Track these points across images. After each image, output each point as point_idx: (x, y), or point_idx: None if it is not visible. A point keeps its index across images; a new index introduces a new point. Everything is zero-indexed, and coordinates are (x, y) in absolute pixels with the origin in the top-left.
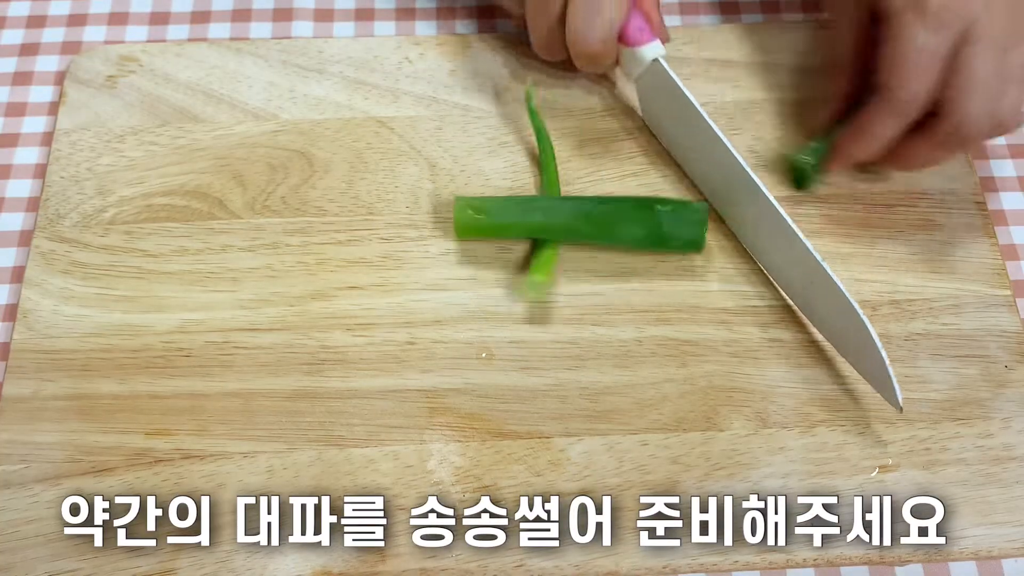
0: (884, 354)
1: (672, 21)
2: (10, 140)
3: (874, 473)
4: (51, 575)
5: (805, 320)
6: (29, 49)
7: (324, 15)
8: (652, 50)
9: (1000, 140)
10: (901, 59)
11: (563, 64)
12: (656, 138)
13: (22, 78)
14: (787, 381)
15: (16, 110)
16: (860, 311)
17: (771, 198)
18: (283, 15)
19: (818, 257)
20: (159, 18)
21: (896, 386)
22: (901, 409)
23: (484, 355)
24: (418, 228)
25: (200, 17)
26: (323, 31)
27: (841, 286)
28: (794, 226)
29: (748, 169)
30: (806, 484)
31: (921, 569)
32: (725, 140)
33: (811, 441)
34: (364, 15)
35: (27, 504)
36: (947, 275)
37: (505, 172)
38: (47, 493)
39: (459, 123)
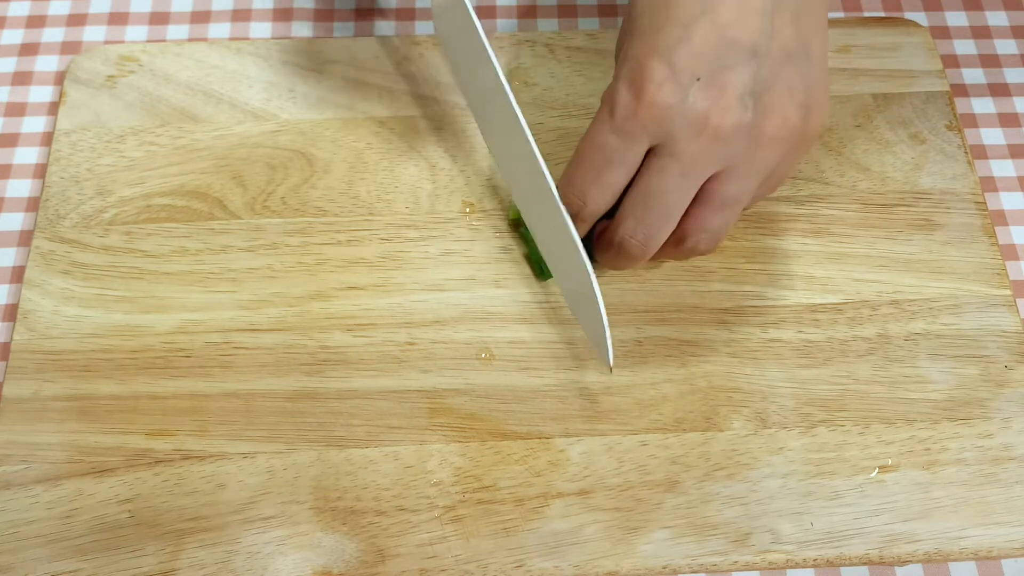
0: (604, 315)
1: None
2: (10, 140)
3: (874, 473)
4: (51, 575)
5: (802, 321)
6: (29, 49)
7: (324, 15)
8: None
9: (1000, 140)
10: (577, 153)
11: None
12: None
13: (22, 78)
14: (787, 381)
15: (16, 110)
16: (583, 253)
17: (516, 107)
18: (283, 15)
19: (543, 169)
20: (159, 18)
21: (609, 344)
22: (611, 369)
23: (484, 355)
24: (418, 228)
25: (200, 17)
26: (323, 31)
27: (569, 222)
28: (530, 137)
29: (503, 78)
30: (806, 484)
31: (921, 569)
32: (489, 48)
33: (811, 441)
34: (364, 15)
35: (27, 505)
36: (947, 275)
37: None
38: (47, 494)
39: (459, 123)
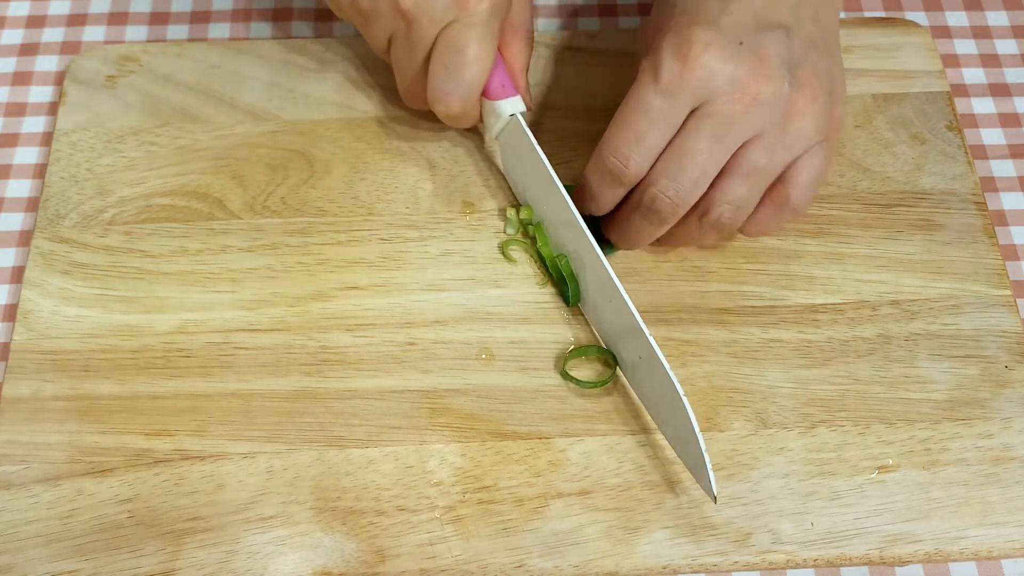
0: (702, 441)
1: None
2: (10, 140)
3: (874, 473)
4: (51, 575)
5: (802, 321)
6: (29, 49)
7: (324, 15)
8: (512, 105)
9: (1000, 140)
10: (617, 117)
11: (430, 114)
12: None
13: (22, 78)
14: (787, 381)
15: (16, 110)
16: (681, 391)
17: (605, 262)
18: (283, 15)
19: (646, 331)
20: (159, 18)
21: (711, 475)
22: (715, 499)
23: (484, 355)
24: (418, 228)
25: (200, 17)
26: (323, 31)
27: (665, 364)
28: (626, 297)
29: (587, 232)
30: (806, 484)
31: (921, 569)
32: (569, 200)
33: (811, 441)
34: None
35: (27, 504)
36: (947, 275)
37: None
38: (47, 494)
39: None
